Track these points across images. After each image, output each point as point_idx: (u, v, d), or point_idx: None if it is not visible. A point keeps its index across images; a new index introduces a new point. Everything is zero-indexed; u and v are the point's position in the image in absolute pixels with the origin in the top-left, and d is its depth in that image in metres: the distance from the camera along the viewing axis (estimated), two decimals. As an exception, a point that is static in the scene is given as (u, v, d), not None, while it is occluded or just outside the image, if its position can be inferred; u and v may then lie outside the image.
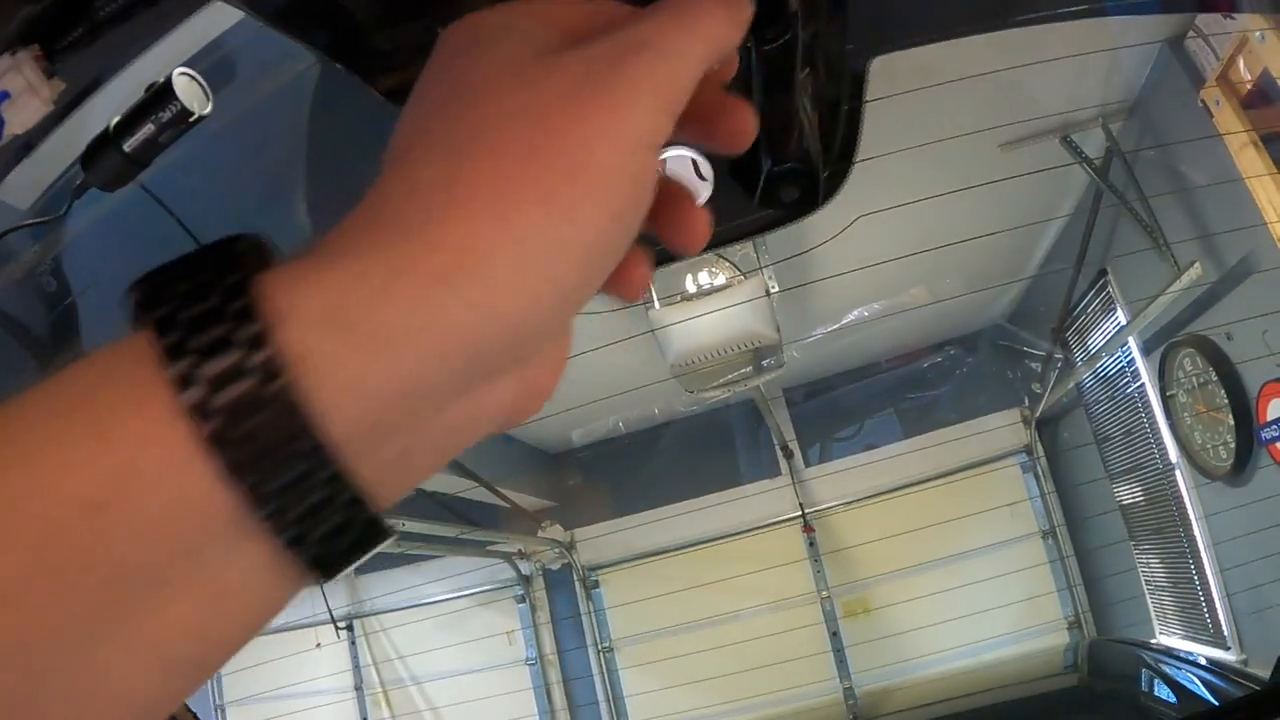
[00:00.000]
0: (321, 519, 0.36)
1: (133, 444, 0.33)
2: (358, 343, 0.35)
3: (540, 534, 5.39)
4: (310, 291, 0.35)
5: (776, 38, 0.63)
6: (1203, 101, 3.17)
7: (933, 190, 3.70)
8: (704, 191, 0.89)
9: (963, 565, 5.08)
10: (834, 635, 5.29)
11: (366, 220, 0.38)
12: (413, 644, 5.51)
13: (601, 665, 5.50)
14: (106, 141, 0.94)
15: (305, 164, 1.94)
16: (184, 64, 0.91)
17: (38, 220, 1.73)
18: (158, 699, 0.37)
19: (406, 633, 5.52)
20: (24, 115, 0.67)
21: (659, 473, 5.49)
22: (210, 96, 0.99)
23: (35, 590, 0.32)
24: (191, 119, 0.95)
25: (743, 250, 3.94)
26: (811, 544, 5.34)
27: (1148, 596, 4.64)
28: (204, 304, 0.34)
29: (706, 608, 5.34)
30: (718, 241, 0.93)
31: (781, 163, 0.82)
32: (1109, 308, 4.28)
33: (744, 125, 0.50)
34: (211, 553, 0.35)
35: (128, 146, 0.95)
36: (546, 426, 5.15)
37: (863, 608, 5.31)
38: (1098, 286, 4.30)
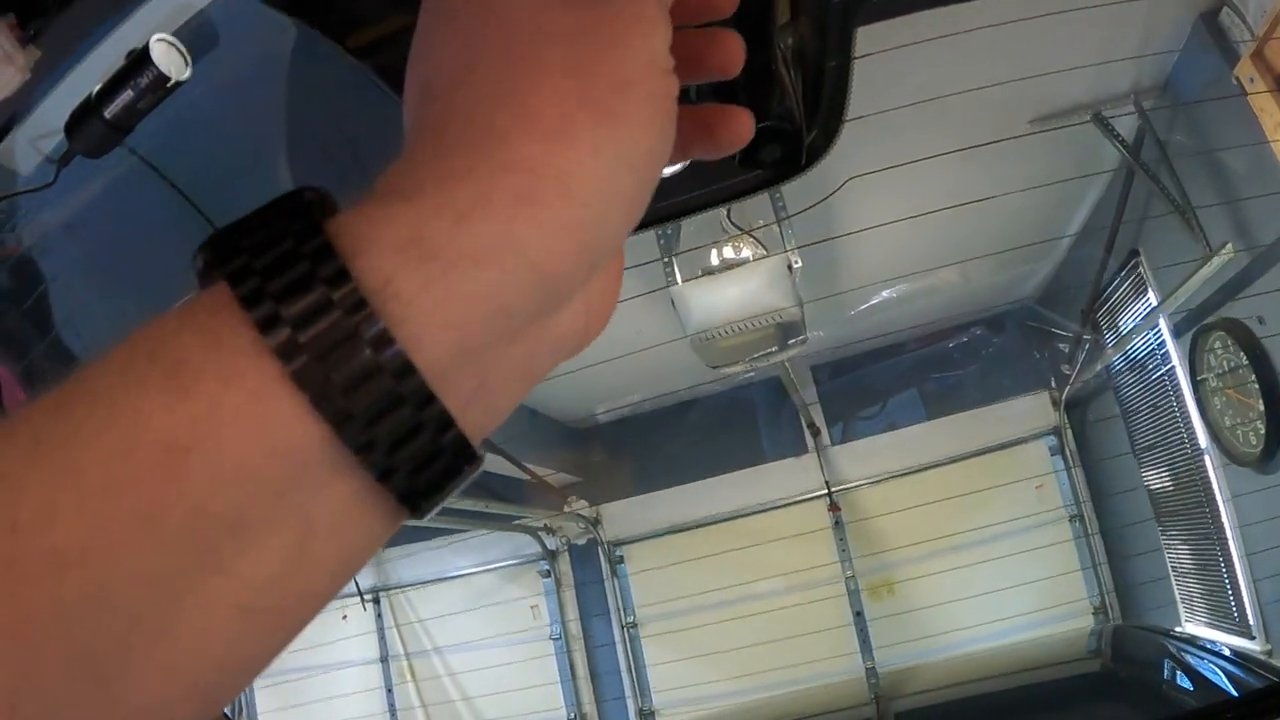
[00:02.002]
0: (412, 450, 0.35)
1: (215, 385, 0.32)
2: (440, 270, 0.35)
3: (566, 509, 5.41)
4: (388, 226, 0.35)
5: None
6: (1236, 79, 3.11)
7: (961, 165, 3.66)
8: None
9: (989, 546, 5.06)
10: (857, 614, 5.28)
11: (429, 153, 0.38)
12: (438, 617, 5.56)
13: (625, 639, 5.52)
14: (89, 109, 0.95)
15: (288, 127, 1.94)
16: (168, 31, 0.92)
17: (28, 189, 1.75)
18: (247, 656, 0.36)
19: (432, 606, 5.57)
20: (1, 81, 0.67)
21: (684, 449, 5.49)
22: (189, 62, 0.99)
23: (115, 540, 0.31)
24: (170, 84, 0.95)
25: (768, 226, 3.92)
26: (837, 522, 5.32)
27: (1173, 582, 4.59)
28: (279, 249, 0.34)
29: (730, 583, 5.35)
30: (698, 205, 0.91)
31: (762, 120, 0.79)
32: (1140, 289, 4.22)
33: (732, 50, 0.52)
34: (298, 494, 0.34)
35: (109, 113, 0.96)
36: (571, 401, 5.16)
37: (887, 587, 5.30)
38: (1129, 267, 4.24)
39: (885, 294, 4.62)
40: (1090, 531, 5.07)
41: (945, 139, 3.45)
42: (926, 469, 5.20)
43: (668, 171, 0.49)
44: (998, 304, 5.07)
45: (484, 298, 0.36)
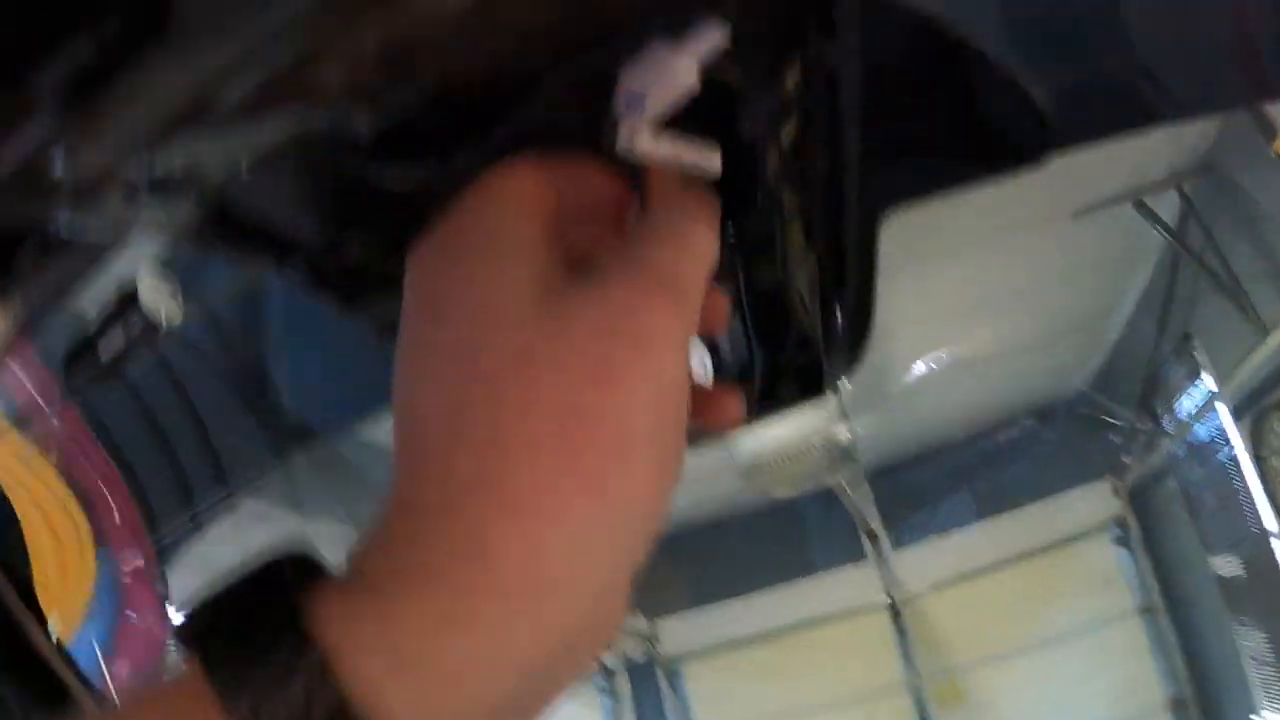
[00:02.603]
0: None
1: None
2: (420, 680, 0.34)
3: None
4: (368, 626, 0.34)
5: (750, 230, 0.57)
6: (1275, 154, 3.14)
7: (1008, 262, 3.69)
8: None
9: (1058, 643, 4.93)
10: (924, 723, 5.15)
11: (411, 540, 0.35)
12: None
13: (687, 760, 5.38)
14: (84, 350, 0.93)
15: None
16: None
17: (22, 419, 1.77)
18: None
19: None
20: None
21: (736, 560, 5.42)
22: (182, 303, 0.96)
23: None
24: (162, 332, 0.94)
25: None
26: (900, 630, 5.22)
27: (1249, 671, 4.45)
28: (255, 641, 0.34)
29: (794, 696, 5.20)
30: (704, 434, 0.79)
31: (775, 357, 0.71)
32: (1195, 373, 4.19)
33: (731, 412, 0.46)
34: None
35: (105, 357, 0.94)
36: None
37: (954, 694, 5.15)
38: (1182, 352, 4.22)
39: (932, 391, 4.58)
40: (1163, 627, 4.96)
41: (989, 235, 3.47)
42: (989, 570, 5.12)
43: None
44: (1047, 396, 5.04)
45: (468, 700, 0.35)
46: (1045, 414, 5.17)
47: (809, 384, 0.72)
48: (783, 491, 4.58)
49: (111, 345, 0.95)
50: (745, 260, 0.61)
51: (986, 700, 5.03)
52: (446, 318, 0.38)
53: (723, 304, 0.47)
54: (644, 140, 0.43)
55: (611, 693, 5.48)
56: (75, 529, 3.26)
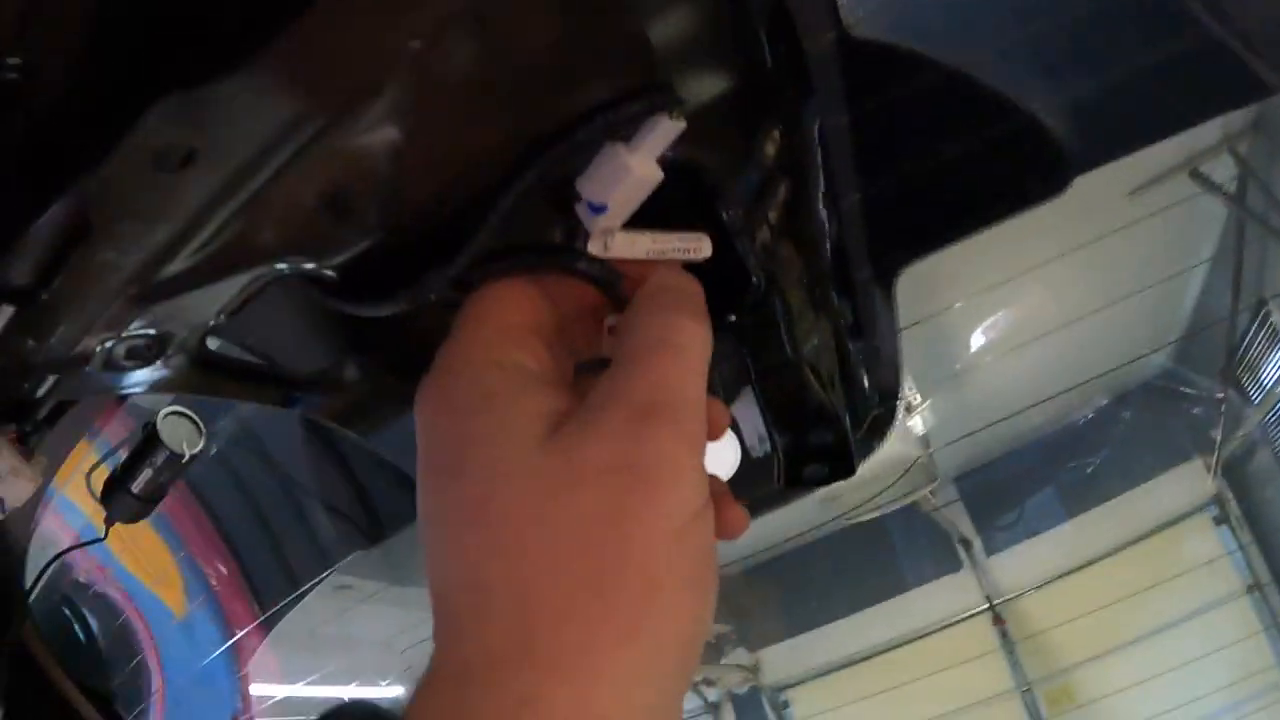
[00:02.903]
0: None
1: None
2: None
3: (723, 660, 5.29)
4: None
5: (749, 308, 0.55)
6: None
7: (1068, 240, 3.62)
8: (724, 473, 0.74)
9: (1167, 634, 4.78)
10: (1040, 730, 5.02)
11: (458, 701, 0.35)
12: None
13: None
14: (117, 483, 0.98)
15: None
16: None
17: (81, 544, 1.87)
18: None
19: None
20: (15, 492, 0.70)
21: (829, 583, 5.35)
22: (203, 431, 1.00)
23: None
24: (184, 461, 0.97)
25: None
26: (1004, 635, 5.10)
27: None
28: None
29: (903, 713, 5.12)
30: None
31: (798, 438, 0.67)
32: (1276, 339, 4.07)
33: (737, 524, 0.44)
34: None
35: (136, 489, 0.99)
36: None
37: (1066, 695, 5.02)
38: (1260, 318, 4.10)
39: (1002, 375, 4.47)
40: (1272, 599, 4.79)
41: (1046, 224, 3.41)
42: (1087, 566, 4.99)
43: None
44: (1124, 376, 4.90)
45: None
46: (1123, 395, 5.04)
47: (839, 463, 0.67)
48: (866, 513, 4.54)
49: (141, 479, 1.00)
50: (750, 341, 0.59)
51: (1098, 698, 4.90)
52: (460, 473, 0.38)
53: (720, 411, 0.44)
54: (618, 245, 0.42)
55: (718, 728, 5.44)
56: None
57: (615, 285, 0.43)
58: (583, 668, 0.34)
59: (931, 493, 4.77)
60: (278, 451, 3.14)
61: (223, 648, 3.81)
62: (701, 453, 0.39)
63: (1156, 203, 3.55)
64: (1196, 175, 3.58)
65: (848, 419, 0.68)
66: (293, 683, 4.30)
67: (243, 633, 3.74)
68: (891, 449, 4.14)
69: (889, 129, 0.56)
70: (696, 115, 0.42)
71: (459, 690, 0.35)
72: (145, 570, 3.58)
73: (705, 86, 0.45)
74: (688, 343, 0.40)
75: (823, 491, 4.18)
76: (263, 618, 3.65)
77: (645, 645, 0.35)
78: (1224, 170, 3.63)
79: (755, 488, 0.77)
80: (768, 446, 0.66)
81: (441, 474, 0.39)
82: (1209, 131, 3.42)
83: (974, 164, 0.62)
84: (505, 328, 0.41)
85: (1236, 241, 3.92)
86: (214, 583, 3.59)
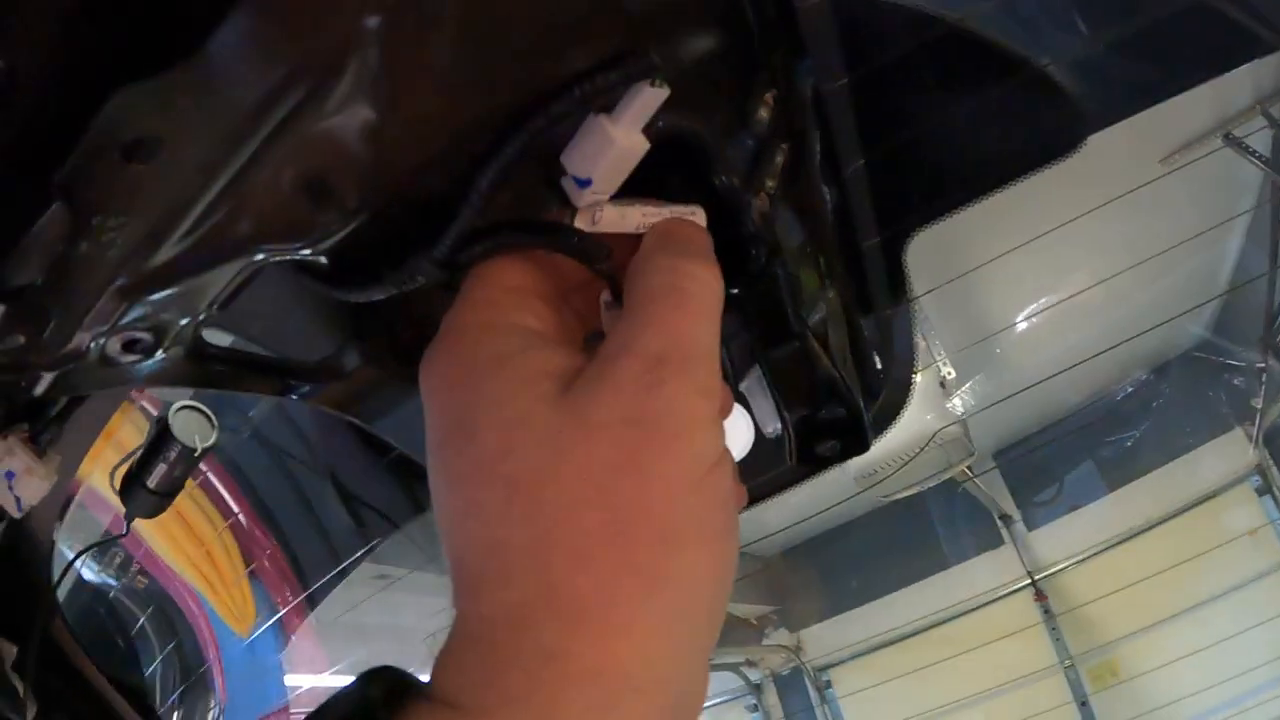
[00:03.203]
0: None
1: None
2: None
3: (765, 641, 5.30)
4: None
5: (750, 282, 0.54)
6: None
7: (1100, 214, 3.56)
8: (737, 452, 0.72)
9: (1211, 604, 4.72)
10: (1083, 704, 4.95)
11: (484, 666, 0.35)
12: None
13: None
14: (134, 479, 1.00)
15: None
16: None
17: (105, 540, 1.92)
18: None
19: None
20: (30, 491, 0.71)
21: (869, 562, 5.34)
22: (215, 424, 1.02)
23: None
24: (197, 454, 0.99)
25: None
26: (1046, 611, 5.06)
27: None
28: None
29: (946, 693, 5.09)
30: (754, 500, 0.73)
31: (809, 414, 0.65)
32: (1316, 305, 4.00)
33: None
34: None
35: (152, 484, 1.00)
36: (749, 534, 5.07)
37: (1110, 670, 4.97)
38: (1299, 284, 4.03)
39: (1039, 346, 4.42)
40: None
41: (1080, 194, 3.36)
42: (1129, 540, 4.93)
43: None
44: (1162, 346, 4.84)
45: None
46: (1162, 366, 4.97)
47: (852, 439, 0.66)
48: (903, 491, 4.51)
49: (156, 474, 1.02)
50: (754, 314, 0.58)
51: (1143, 671, 4.84)
52: (473, 436, 0.38)
53: (724, 391, 0.44)
54: (607, 218, 0.42)
55: (761, 708, 5.44)
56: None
57: (601, 259, 0.42)
58: (607, 620, 0.34)
59: (969, 468, 4.73)
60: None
61: (273, 619, 3.88)
62: (716, 401, 0.39)
63: (1190, 170, 3.49)
64: (1230, 139, 3.52)
65: (860, 393, 0.66)
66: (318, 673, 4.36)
67: (288, 608, 3.81)
68: (926, 423, 4.11)
69: (891, 88, 0.54)
70: (681, 81, 0.41)
71: (482, 649, 0.35)
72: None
73: (688, 50, 0.44)
74: (698, 289, 0.40)
75: (856, 472, 4.17)
76: (306, 593, 3.72)
77: (669, 597, 0.35)
78: (1260, 138, 3.56)
79: (772, 467, 0.75)
80: (779, 424, 0.65)
81: (454, 438, 0.38)
82: (1241, 94, 3.36)
83: (981, 124, 0.60)
84: (510, 290, 0.41)
85: (1274, 206, 3.84)
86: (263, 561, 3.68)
